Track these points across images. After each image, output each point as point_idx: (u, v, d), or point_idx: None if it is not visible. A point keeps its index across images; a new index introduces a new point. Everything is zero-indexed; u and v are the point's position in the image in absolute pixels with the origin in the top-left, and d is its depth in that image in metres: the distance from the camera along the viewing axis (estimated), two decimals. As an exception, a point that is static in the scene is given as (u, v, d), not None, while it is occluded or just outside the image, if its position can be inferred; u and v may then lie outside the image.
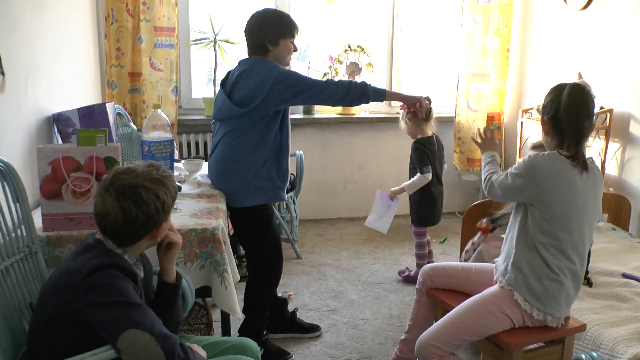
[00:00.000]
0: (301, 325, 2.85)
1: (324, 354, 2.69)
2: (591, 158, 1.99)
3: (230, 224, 2.62)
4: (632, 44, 3.40)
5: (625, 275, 2.59)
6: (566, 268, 1.94)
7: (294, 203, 3.86)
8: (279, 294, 2.91)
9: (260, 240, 2.57)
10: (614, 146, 3.55)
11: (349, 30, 4.62)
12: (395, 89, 4.69)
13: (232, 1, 4.40)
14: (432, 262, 3.37)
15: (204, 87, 4.50)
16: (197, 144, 4.17)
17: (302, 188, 3.86)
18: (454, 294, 2.24)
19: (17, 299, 1.67)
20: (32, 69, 2.45)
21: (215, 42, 4.02)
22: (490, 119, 4.62)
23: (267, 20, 2.48)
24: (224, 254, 2.13)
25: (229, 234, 2.44)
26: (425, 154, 3.25)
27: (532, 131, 3.99)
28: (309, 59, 4.49)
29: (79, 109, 2.61)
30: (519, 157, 4.08)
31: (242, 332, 2.60)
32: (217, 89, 2.78)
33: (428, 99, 2.66)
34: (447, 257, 3.92)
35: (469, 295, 2.07)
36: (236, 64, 2.57)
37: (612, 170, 3.58)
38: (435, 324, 2.05)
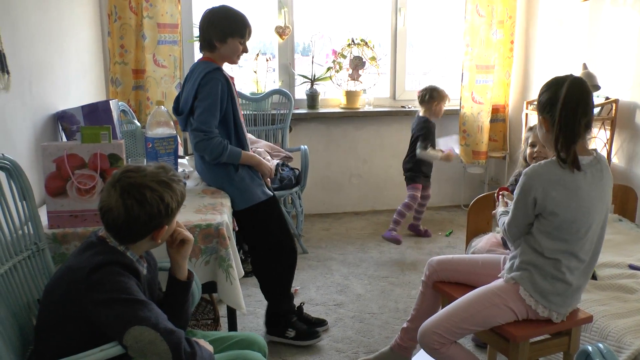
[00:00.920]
0: (308, 319, 2.86)
1: (331, 348, 2.70)
2: (595, 150, 1.93)
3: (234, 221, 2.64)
4: (637, 34, 3.37)
5: (632, 267, 2.58)
6: (575, 268, 1.91)
7: (299, 198, 3.86)
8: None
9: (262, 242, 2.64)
10: (620, 137, 3.53)
11: (352, 25, 4.61)
12: (399, 82, 4.70)
13: (235, -3, 4.39)
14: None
15: (207, 83, 4.49)
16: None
17: (307, 183, 3.86)
18: (460, 286, 2.23)
19: (25, 296, 1.68)
20: (37, 67, 2.46)
21: (218, 38, 4.02)
22: (495, 111, 4.61)
23: (218, 17, 2.47)
24: (228, 249, 2.14)
25: (233, 230, 2.45)
26: None
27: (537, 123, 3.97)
28: (313, 53, 4.48)
29: (82, 107, 2.62)
30: (524, 149, 4.07)
31: (268, 317, 2.71)
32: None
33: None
34: (453, 250, 3.91)
35: (476, 288, 2.07)
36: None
37: (618, 161, 3.56)
38: (439, 313, 2.06)
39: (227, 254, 2.13)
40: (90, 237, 1.59)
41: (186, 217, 2.17)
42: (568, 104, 1.83)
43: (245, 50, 2.54)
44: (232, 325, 2.35)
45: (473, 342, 2.68)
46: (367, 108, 4.56)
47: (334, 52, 4.46)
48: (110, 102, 2.69)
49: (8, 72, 2.07)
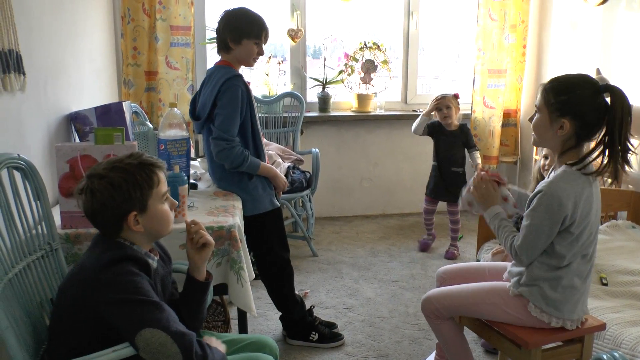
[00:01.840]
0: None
1: (341, 351, 2.69)
2: None
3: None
4: (652, 39, 3.35)
5: (645, 274, 2.55)
6: (583, 271, 1.90)
7: (310, 201, 3.86)
8: (296, 291, 2.91)
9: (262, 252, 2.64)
10: (633, 142, 3.48)
11: (364, 28, 4.61)
12: (410, 86, 4.69)
13: (248, 0, 4.41)
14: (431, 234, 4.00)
15: (219, 86, 4.51)
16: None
17: (318, 186, 3.86)
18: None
19: (38, 296, 1.69)
20: (52, 69, 2.48)
21: (230, 41, 4.03)
22: (507, 116, 4.59)
23: (234, 18, 2.47)
24: (240, 251, 2.14)
25: (244, 232, 2.45)
26: None
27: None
28: (325, 56, 4.49)
29: (96, 108, 2.63)
30: (536, 155, 4.04)
31: (285, 323, 2.74)
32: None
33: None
34: (463, 255, 3.90)
35: None
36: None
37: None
38: (446, 288, 2.13)
39: (238, 256, 2.13)
40: (98, 234, 1.59)
41: (198, 218, 2.15)
42: (618, 119, 1.77)
43: (261, 53, 2.53)
44: (243, 328, 2.35)
45: (483, 348, 2.66)
46: (378, 111, 4.56)
47: (346, 55, 4.47)
48: (123, 103, 2.70)
49: (24, 74, 2.09)
